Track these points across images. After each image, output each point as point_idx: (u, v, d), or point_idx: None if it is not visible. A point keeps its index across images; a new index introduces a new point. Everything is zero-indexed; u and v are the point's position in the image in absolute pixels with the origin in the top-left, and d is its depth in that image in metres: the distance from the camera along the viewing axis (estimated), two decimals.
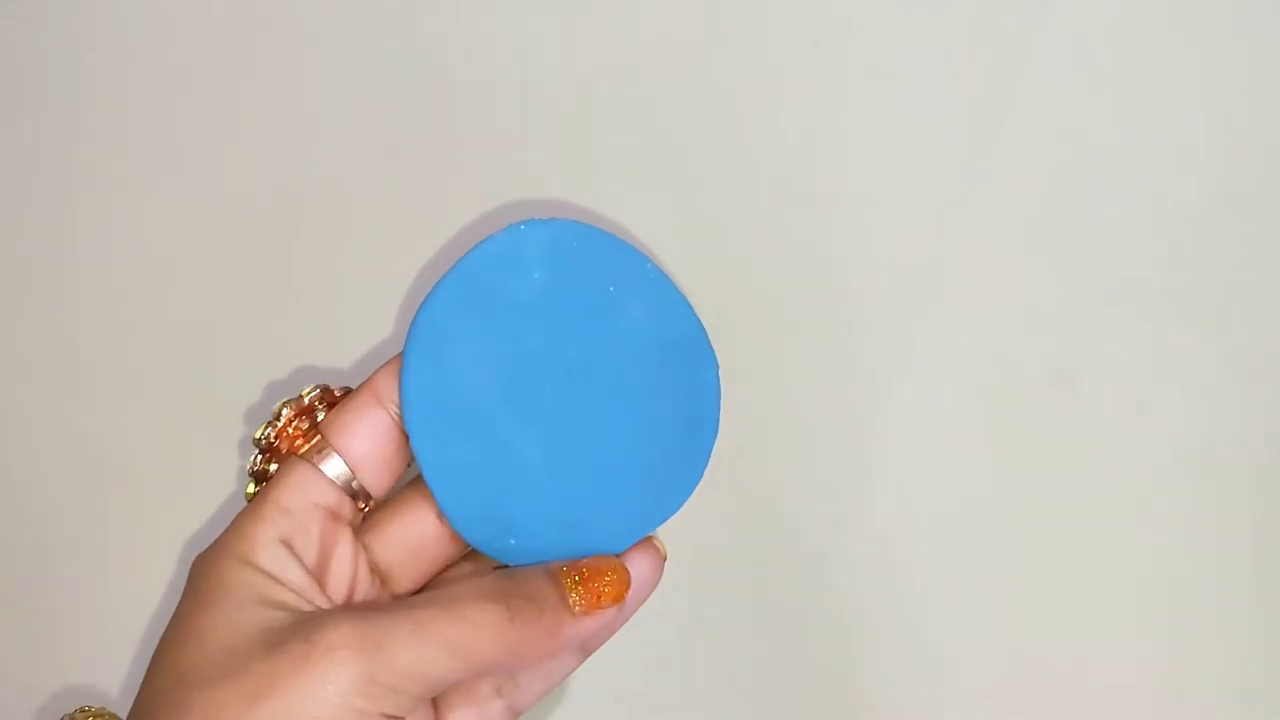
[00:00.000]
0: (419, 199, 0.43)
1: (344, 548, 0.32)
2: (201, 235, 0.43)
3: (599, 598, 0.31)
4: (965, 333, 0.43)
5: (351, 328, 0.42)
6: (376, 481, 0.33)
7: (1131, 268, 0.43)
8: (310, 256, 0.43)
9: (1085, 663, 0.41)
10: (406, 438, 0.32)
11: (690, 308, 0.35)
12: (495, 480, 0.33)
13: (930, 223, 0.43)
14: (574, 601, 0.31)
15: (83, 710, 0.36)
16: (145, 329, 0.43)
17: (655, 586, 0.34)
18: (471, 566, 0.35)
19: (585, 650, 0.35)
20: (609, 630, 0.33)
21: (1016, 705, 0.41)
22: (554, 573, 0.32)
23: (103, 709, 0.37)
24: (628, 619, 0.34)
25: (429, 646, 0.29)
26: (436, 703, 0.34)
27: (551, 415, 0.33)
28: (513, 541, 0.33)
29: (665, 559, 0.35)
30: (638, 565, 0.34)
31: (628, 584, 0.32)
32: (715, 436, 0.35)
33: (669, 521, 0.41)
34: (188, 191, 0.43)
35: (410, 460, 0.33)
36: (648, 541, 0.34)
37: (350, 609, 0.30)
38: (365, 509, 0.33)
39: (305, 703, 0.27)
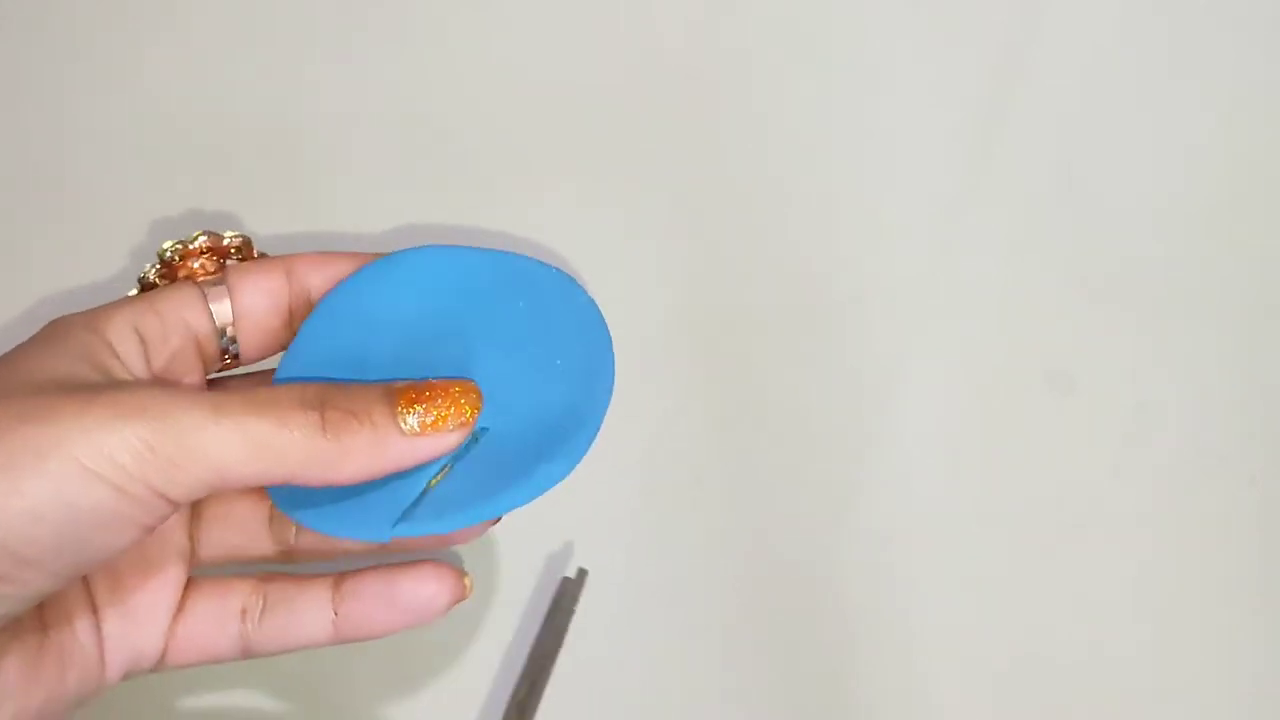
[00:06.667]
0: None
1: (192, 382, 0.32)
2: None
3: (439, 420, 0.29)
4: (964, 333, 0.43)
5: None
6: (249, 343, 0.32)
7: (1131, 269, 0.43)
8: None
9: (1084, 664, 0.41)
10: (296, 320, 0.32)
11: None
12: None
13: (929, 224, 0.44)
14: (406, 420, 0.29)
15: None
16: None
17: (439, 614, 0.32)
18: None
19: (346, 632, 0.32)
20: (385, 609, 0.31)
21: (1015, 707, 0.41)
22: (391, 390, 0.29)
23: None
24: (406, 625, 0.32)
25: (226, 432, 0.27)
26: (185, 595, 0.33)
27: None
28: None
29: (466, 595, 0.32)
30: (427, 582, 0.32)
31: (477, 408, 0.30)
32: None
33: (666, 520, 0.41)
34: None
35: (286, 345, 0.33)
36: (457, 572, 0.32)
37: (156, 382, 0.29)
38: (226, 364, 0.33)
39: (74, 437, 0.26)
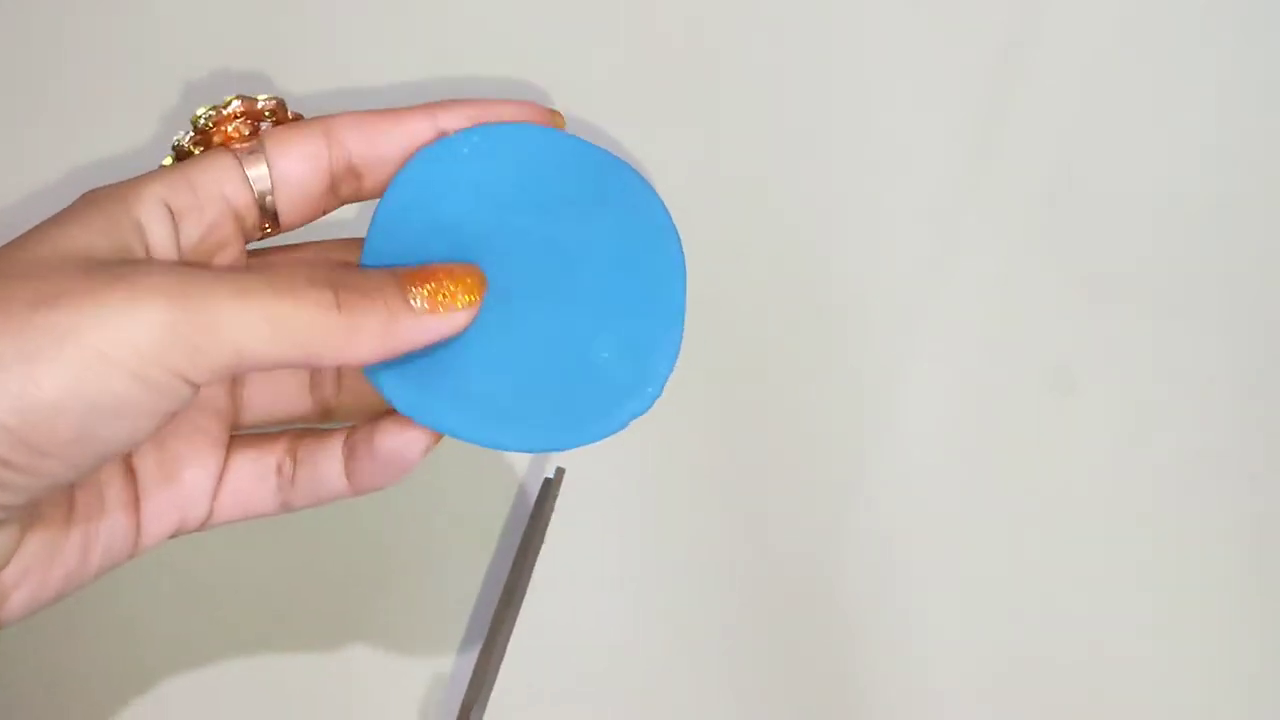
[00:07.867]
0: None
1: (229, 254, 0.31)
2: None
3: (447, 297, 0.29)
4: (964, 333, 0.43)
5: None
6: (290, 210, 0.32)
7: (1131, 268, 0.43)
8: None
9: (1084, 664, 0.41)
10: (339, 184, 0.32)
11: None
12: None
13: (929, 222, 0.44)
14: (415, 296, 0.29)
15: None
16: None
17: (412, 463, 0.32)
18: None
19: (357, 486, 0.32)
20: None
21: (1015, 707, 0.41)
22: (397, 273, 0.29)
23: None
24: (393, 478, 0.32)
25: (249, 314, 0.26)
26: (227, 456, 0.32)
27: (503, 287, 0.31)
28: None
29: (434, 443, 0.32)
30: (397, 431, 0.31)
31: (482, 290, 0.30)
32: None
33: (666, 515, 0.41)
34: None
35: (328, 209, 0.32)
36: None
37: (175, 263, 0.28)
38: (266, 232, 0.32)
39: (91, 323, 0.25)
